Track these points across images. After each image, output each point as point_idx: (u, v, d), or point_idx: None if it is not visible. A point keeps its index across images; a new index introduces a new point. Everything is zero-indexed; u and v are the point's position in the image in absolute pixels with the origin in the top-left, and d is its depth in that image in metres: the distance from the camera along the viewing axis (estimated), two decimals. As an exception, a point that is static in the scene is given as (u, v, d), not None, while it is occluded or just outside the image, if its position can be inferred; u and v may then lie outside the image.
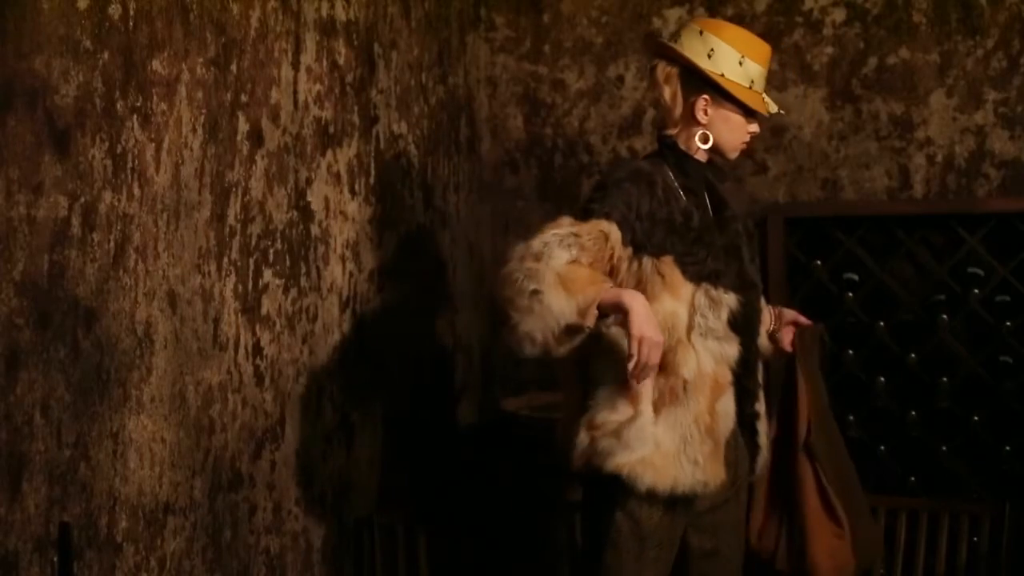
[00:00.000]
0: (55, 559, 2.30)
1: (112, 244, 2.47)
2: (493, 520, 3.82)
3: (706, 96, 2.78)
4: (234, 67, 2.89)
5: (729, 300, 2.73)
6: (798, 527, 2.88)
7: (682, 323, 2.68)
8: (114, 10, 2.46)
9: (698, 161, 2.84)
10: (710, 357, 2.70)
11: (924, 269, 4.04)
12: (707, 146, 2.82)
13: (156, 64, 2.60)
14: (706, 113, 2.79)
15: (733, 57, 2.78)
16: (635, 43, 4.34)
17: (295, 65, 3.16)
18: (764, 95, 2.83)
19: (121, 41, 2.48)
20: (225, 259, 2.87)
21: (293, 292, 3.17)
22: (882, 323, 4.01)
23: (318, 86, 3.28)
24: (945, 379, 3.96)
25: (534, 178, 4.47)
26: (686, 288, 2.69)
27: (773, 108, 2.85)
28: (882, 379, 4.00)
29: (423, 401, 4.02)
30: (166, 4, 2.63)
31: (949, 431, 3.96)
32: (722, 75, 2.76)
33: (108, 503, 2.46)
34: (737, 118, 2.81)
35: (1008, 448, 3.90)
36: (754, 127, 2.84)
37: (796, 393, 2.93)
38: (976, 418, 3.93)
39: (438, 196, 4.12)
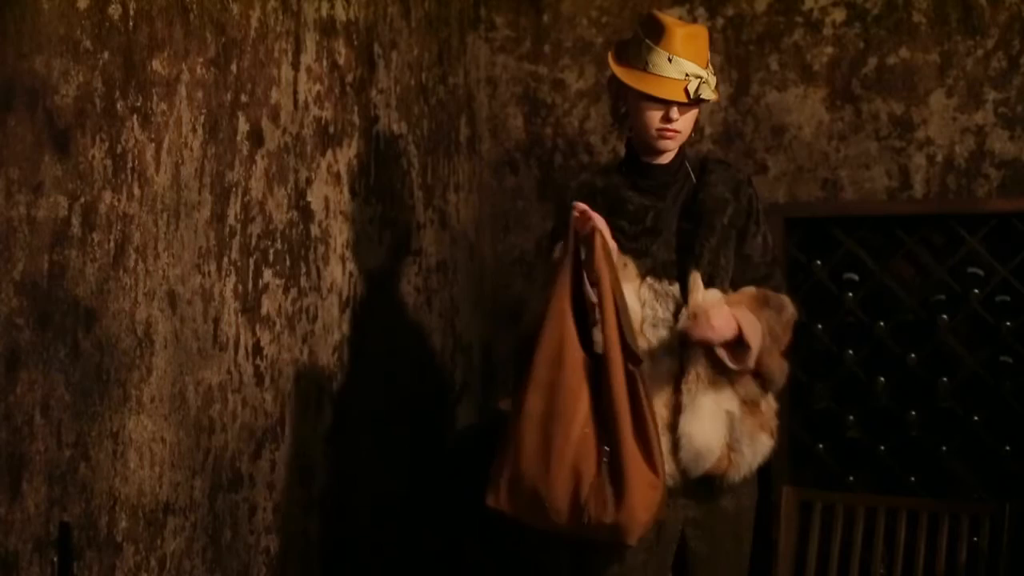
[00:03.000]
0: (55, 559, 2.30)
1: (112, 244, 2.47)
2: (493, 520, 3.82)
3: (621, 84, 2.77)
4: (234, 67, 2.89)
5: (675, 291, 2.75)
6: (617, 472, 2.58)
7: (637, 315, 2.73)
8: (114, 10, 2.46)
9: (645, 160, 2.82)
10: (662, 347, 2.72)
11: (924, 269, 4.03)
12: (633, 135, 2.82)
13: (156, 64, 2.60)
14: (627, 102, 2.79)
15: (637, 43, 2.74)
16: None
17: (295, 65, 3.16)
18: (694, 81, 2.69)
19: (121, 41, 2.48)
20: (225, 259, 2.87)
21: (293, 292, 3.17)
22: (882, 323, 4.01)
23: (318, 86, 3.28)
24: (945, 379, 3.95)
25: (534, 178, 4.47)
26: (634, 283, 2.73)
27: (669, 93, 2.69)
28: (882, 379, 4.00)
29: (423, 401, 4.02)
30: (166, 4, 2.63)
31: (949, 431, 3.96)
32: (624, 63, 2.74)
33: (108, 503, 2.46)
34: (645, 106, 2.74)
35: (1008, 448, 3.90)
36: (673, 114, 2.72)
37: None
38: (976, 418, 3.93)
39: (438, 196, 4.11)
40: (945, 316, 3.96)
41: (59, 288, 2.32)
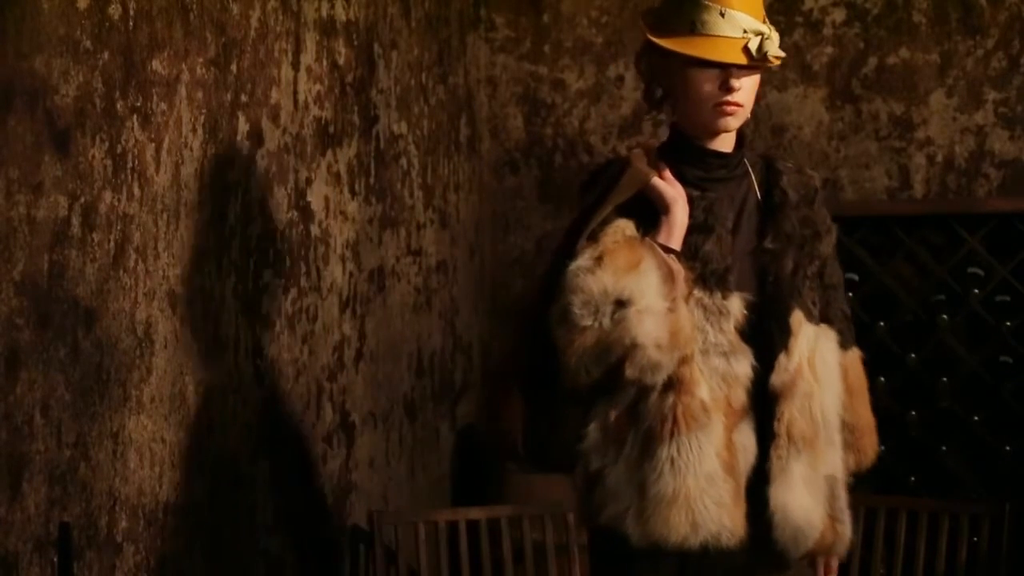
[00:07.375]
0: (55, 559, 2.29)
1: (112, 244, 2.46)
2: (492, 520, 3.82)
3: (658, 56, 2.25)
4: (234, 67, 2.89)
5: (732, 305, 2.18)
6: None
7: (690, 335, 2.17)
8: (114, 10, 2.46)
9: (698, 144, 2.24)
10: (717, 377, 2.16)
11: (924, 269, 4.04)
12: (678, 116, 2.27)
13: (156, 64, 2.59)
14: (668, 79, 2.25)
15: (677, 3, 2.22)
16: (635, 43, 4.33)
17: (295, 65, 3.16)
18: (755, 39, 2.17)
19: (121, 41, 2.48)
20: (225, 259, 2.87)
21: (293, 292, 3.17)
22: (882, 323, 4.01)
23: (318, 86, 3.28)
24: (945, 379, 3.96)
25: (534, 178, 4.47)
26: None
27: (727, 55, 2.13)
28: (882, 379, 4.00)
29: (423, 401, 4.02)
30: (166, 4, 2.63)
31: (949, 431, 3.96)
32: (664, 31, 2.21)
33: (108, 503, 2.46)
34: (696, 76, 2.16)
35: (1008, 448, 3.90)
36: (733, 82, 2.15)
37: None
38: (976, 418, 3.93)
39: (438, 196, 4.11)
40: (945, 316, 3.96)
41: (59, 288, 2.32)
